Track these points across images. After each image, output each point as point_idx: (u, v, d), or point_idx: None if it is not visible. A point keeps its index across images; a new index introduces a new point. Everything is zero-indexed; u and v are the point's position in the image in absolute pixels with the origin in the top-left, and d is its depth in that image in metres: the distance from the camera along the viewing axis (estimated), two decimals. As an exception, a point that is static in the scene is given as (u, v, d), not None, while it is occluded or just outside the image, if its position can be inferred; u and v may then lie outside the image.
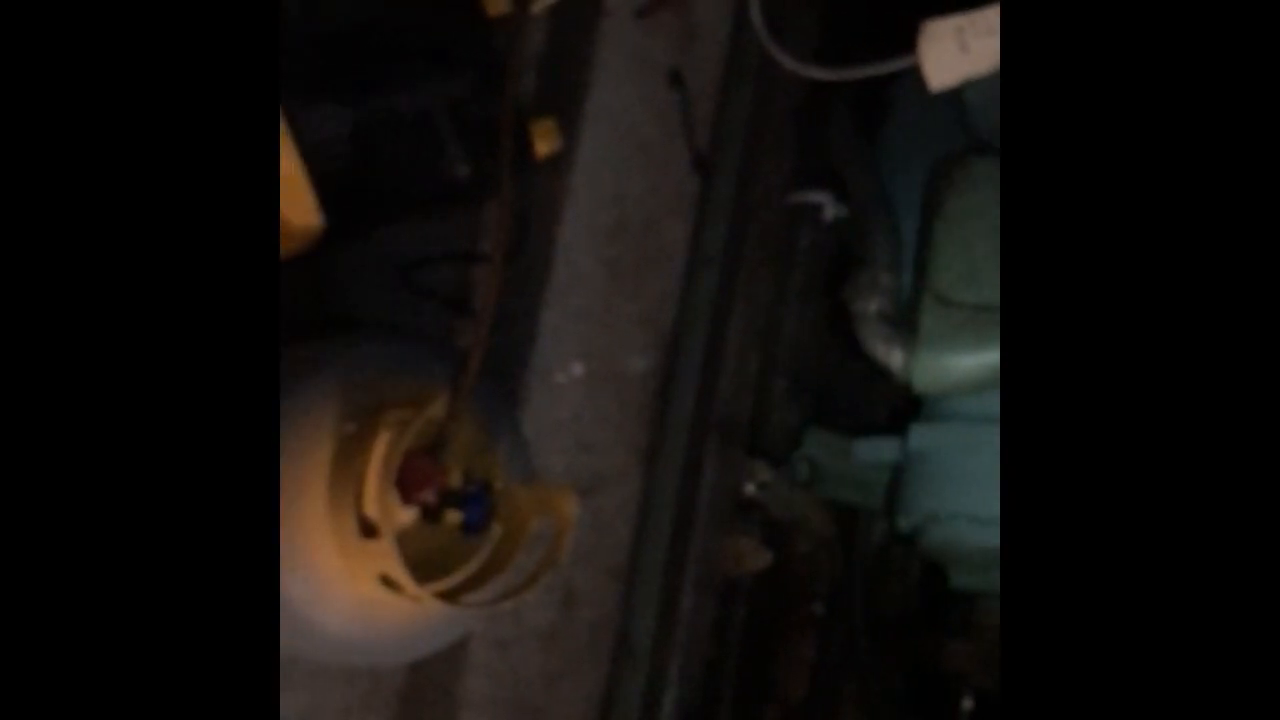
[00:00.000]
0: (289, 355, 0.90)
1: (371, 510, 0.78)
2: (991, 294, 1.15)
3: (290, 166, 0.88)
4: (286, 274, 0.96)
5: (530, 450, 0.94)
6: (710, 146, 1.23)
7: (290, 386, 0.84)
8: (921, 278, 1.20)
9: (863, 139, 1.28)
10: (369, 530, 0.79)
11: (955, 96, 1.06)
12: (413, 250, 1.04)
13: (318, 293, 0.99)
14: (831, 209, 1.30)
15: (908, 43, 0.95)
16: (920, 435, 1.23)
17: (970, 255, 1.17)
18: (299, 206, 0.89)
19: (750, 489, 1.27)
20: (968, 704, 1.32)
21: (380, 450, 0.78)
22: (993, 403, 1.18)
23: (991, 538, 1.18)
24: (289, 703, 0.93)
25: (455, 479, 0.82)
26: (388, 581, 0.79)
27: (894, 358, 1.19)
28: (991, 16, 0.91)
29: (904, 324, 1.20)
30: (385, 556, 0.77)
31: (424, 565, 0.78)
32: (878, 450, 1.27)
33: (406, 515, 0.80)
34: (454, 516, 0.81)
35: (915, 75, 0.96)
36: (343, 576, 0.81)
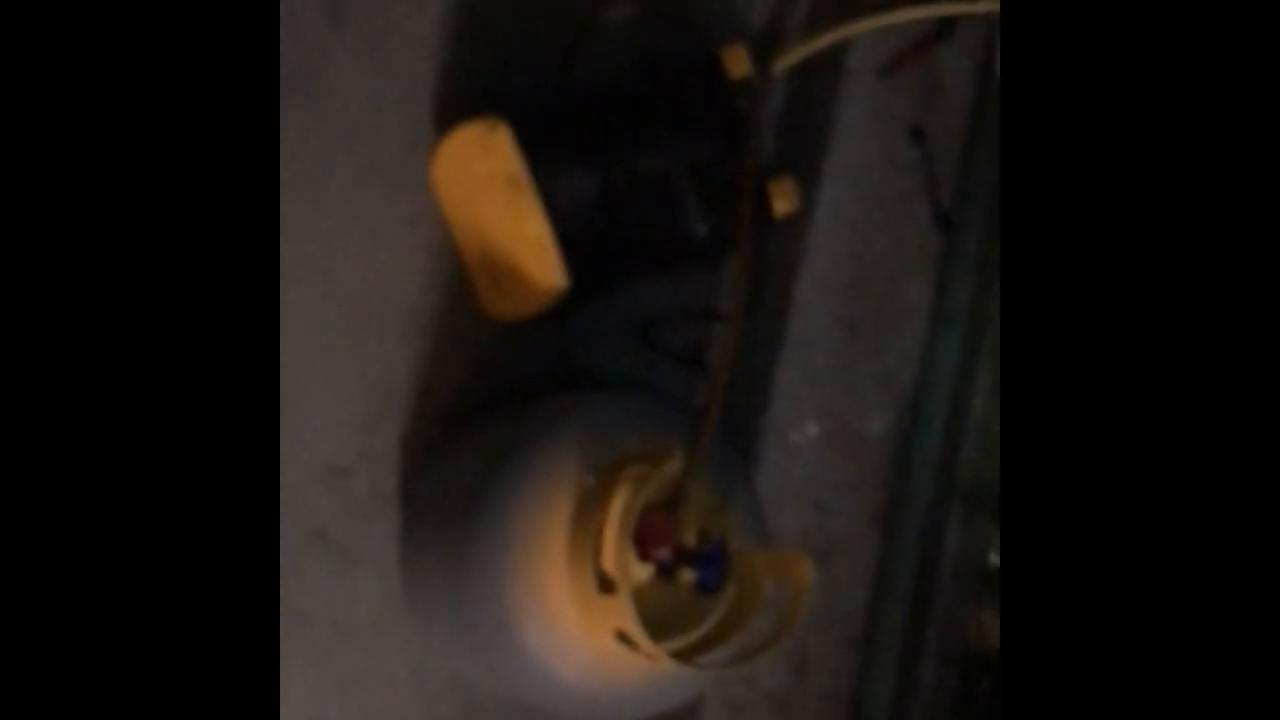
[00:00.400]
0: (533, 411, 0.93)
1: (609, 565, 0.79)
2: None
3: (537, 228, 0.92)
4: (534, 331, 1.00)
5: (764, 511, 0.93)
6: (953, 203, 1.19)
7: (533, 441, 0.86)
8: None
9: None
10: (606, 585, 0.80)
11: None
12: (652, 308, 1.05)
13: (562, 349, 1.02)
14: (1085, 266, 1.23)
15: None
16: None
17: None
18: (545, 267, 0.93)
19: (996, 560, 1.21)
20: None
21: (619, 505, 0.79)
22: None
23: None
24: (524, 751, 0.95)
25: (690, 538, 0.82)
26: (623, 638, 0.80)
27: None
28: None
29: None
30: (622, 612, 0.77)
31: (658, 624, 0.78)
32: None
33: (642, 572, 0.80)
34: (688, 576, 0.81)
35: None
36: (580, 630, 0.82)
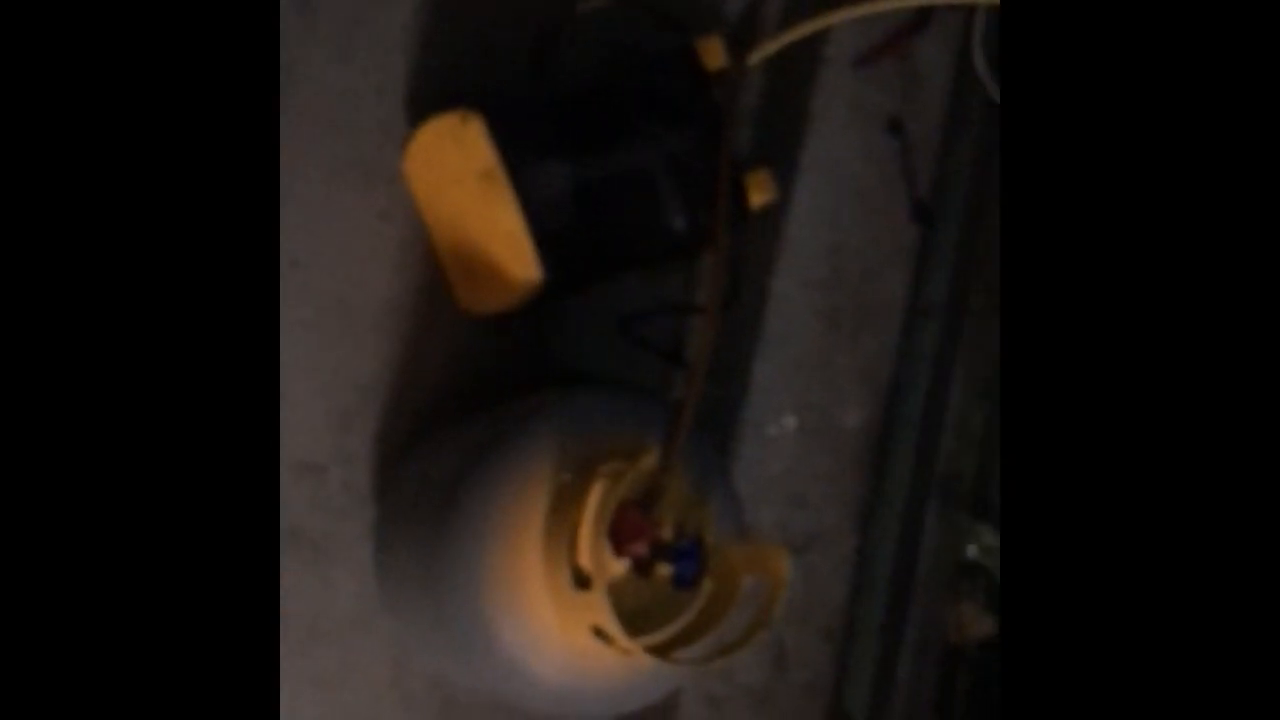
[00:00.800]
0: (510, 406, 0.93)
1: (585, 561, 0.79)
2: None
3: (512, 221, 0.91)
4: (510, 326, 0.99)
5: (741, 505, 0.93)
6: (931, 195, 1.19)
7: (509, 437, 0.86)
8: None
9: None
10: (582, 581, 0.79)
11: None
12: (630, 302, 1.05)
13: (539, 345, 1.01)
14: (1063, 258, 1.23)
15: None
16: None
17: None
18: (520, 261, 0.92)
19: (973, 553, 1.21)
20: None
21: (594, 501, 0.78)
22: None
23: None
24: (502, 749, 0.94)
25: (667, 533, 0.81)
26: (600, 633, 0.79)
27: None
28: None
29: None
30: (598, 608, 0.77)
31: (635, 619, 0.78)
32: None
33: (618, 567, 0.80)
34: (665, 571, 0.81)
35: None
36: (556, 627, 0.81)
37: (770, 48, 1.04)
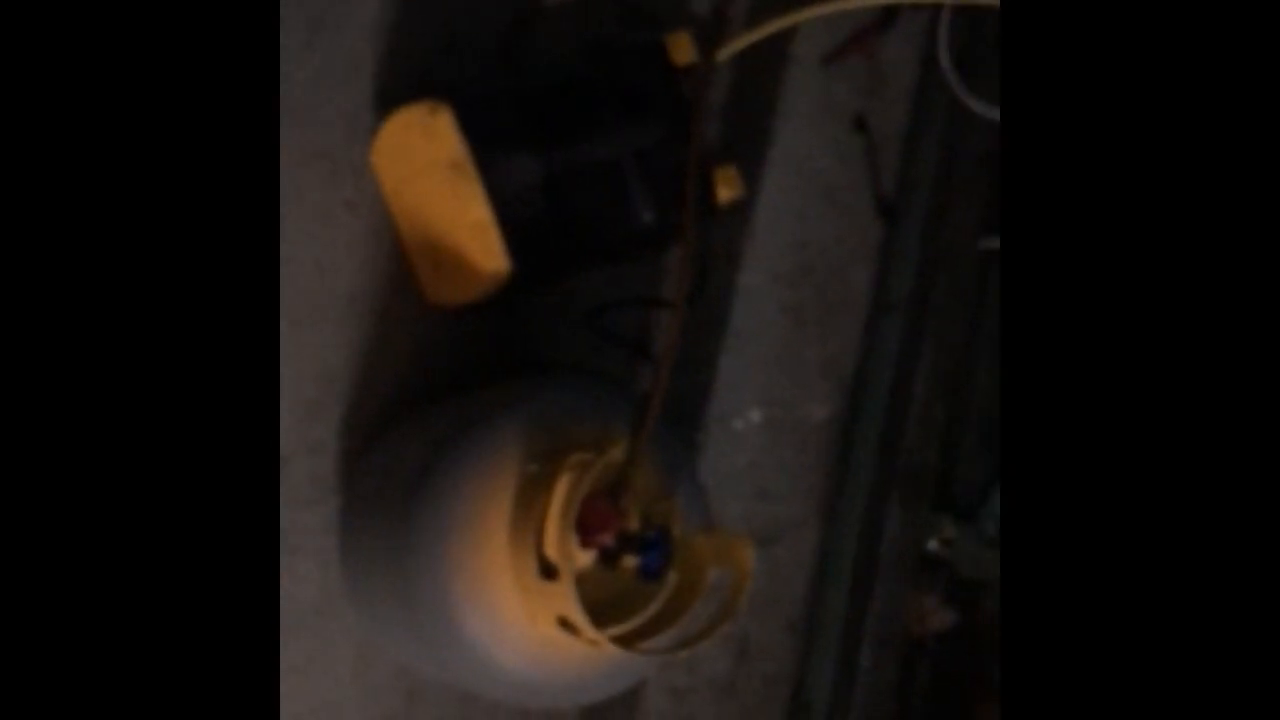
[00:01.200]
0: (476, 397, 0.93)
1: (551, 551, 0.79)
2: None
3: (480, 212, 0.91)
4: (477, 318, 0.99)
5: (707, 497, 0.94)
6: (897, 191, 1.20)
7: (476, 428, 0.86)
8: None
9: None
10: (548, 571, 0.80)
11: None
12: (598, 295, 1.05)
13: (507, 336, 1.02)
14: (1024, 255, 1.25)
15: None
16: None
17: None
18: (487, 252, 0.92)
19: (935, 545, 1.23)
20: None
21: (562, 492, 0.79)
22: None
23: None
24: (467, 739, 0.94)
25: (634, 524, 0.82)
26: (565, 624, 0.80)
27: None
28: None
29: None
30: (564, 598, 0.77)
31: (601, 609, 0.78)
32: (1072, 508, 1.21)
33: (585, 558, 0.80)
34: (631, 562, 0.81)
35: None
36: (522, 616, 0.82)
37: (739, 44, 1.04)
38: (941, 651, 1.25)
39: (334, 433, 0.97)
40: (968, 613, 1.25)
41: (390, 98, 0.95)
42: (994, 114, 1.17)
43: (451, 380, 1.00)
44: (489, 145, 0.91)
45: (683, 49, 0.98)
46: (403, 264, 0.98)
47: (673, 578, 0.82)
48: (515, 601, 0.82)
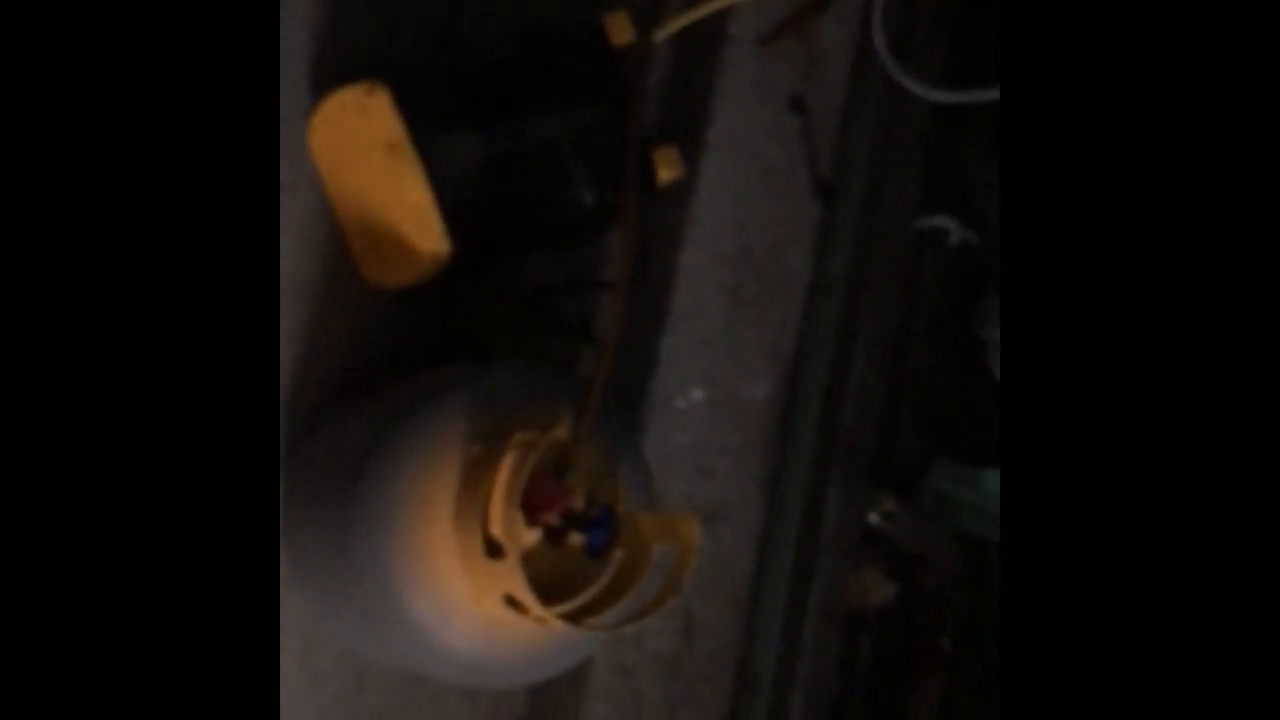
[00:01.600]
0: (419, 379, 0.92)
1: (497, 530, 0.79)
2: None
3: (418, 194, 0.91)
4: (417, 300, 0.98)
5: (652, 475, 0.94)
6: (833, 173, 1.22)
7: (419, 410, 0.85)
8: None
9: (995, 161, 1.25)
10: (494, 550, 0.80)
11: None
12: (539, 278, 1.05)
13: (448, 319, 1.01)
14: (958, 234, 1.27)
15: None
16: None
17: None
18: (426, 233, 0.92)
19: (875, 520, 1.25)
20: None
21: (506, 471, 0.79)
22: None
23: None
24: (414, 722, 0.94)
25: (578, 502, 0.82)
26: (512, 602, 0.80)
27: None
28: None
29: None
30: (510, 576, 0.77)
31: (547, 588, 0.79)
32: (1008, 481, 1.23)
33: (531, 537, 0.80)
34: (577, 540, 0.82)
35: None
36: (468, 596, 0.82)
37: (676, 24, 1.05)
38: (883, 624, 1.27)
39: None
40: (907, 585, 1.27)
41: (327, 79, 0.94)
42: (929, 94, 1.19)
43: (393, 364, 0.99)
44: (428, 126, 0.91)
45: (621, 29, 0.98)
46: (341, 246, 0.97)
47: (618, 555, 0.82)
48: (461, 582, 0.82)
